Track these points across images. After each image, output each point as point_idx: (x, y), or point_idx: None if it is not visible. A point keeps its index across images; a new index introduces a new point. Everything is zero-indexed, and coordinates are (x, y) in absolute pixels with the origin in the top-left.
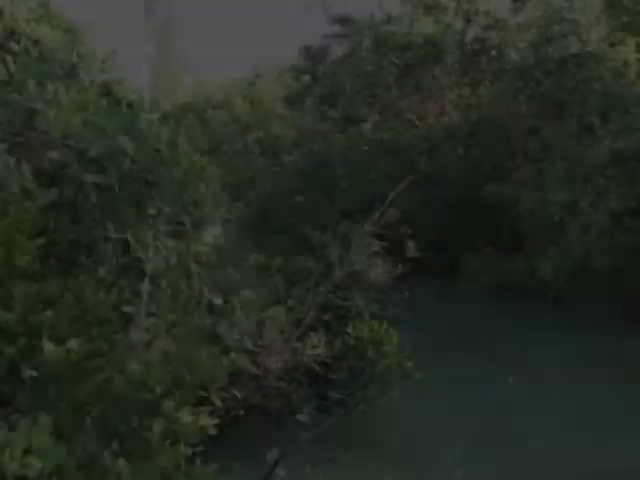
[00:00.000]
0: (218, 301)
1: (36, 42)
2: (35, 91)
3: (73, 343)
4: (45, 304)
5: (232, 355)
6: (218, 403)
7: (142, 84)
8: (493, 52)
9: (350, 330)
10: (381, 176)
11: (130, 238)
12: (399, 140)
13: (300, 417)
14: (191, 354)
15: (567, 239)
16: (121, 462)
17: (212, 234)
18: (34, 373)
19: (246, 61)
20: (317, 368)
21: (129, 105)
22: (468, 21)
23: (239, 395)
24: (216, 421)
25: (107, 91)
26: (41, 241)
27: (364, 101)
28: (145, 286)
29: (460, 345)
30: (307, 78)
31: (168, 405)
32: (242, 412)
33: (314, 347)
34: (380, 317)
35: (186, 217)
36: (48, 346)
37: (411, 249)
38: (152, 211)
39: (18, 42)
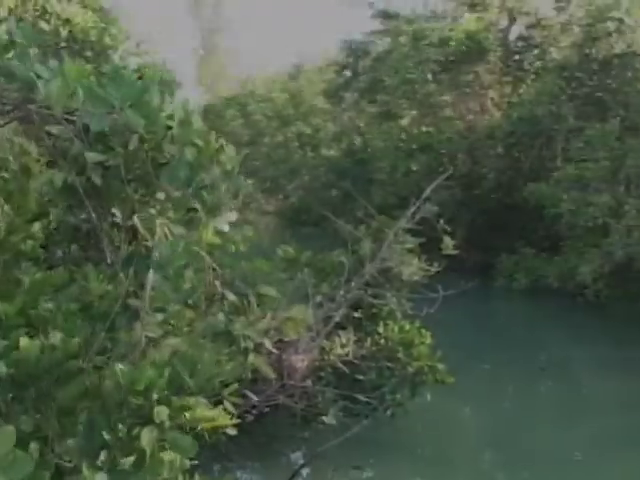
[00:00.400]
0: (231, 297)
1: (66, 21)
2: (37, 60)
3: (56, 338)
4: (51, 295)
5: (250, 356)
6: (230, 409)
7: (189, 77)
8: (536, 51)
9: (381, 329)
10: (419, 172)
11: (138, 224)
12: (438, 136)
13: (326, 419)
14: (195, 355)
15: (609, 242)
16: (99, 477)
17: (226, 222)
18: (10, 370)
19: (289, 56)
20: (345, 368)
21: (139, 77)
22: (513, 19)
23: (261, 393)
24: (235, 421)
25: (140, 74)
26: (42, 224)
27: (403, 96)
28: (150, 278)
29: (496, 346)
30: (347, 73)
31: (161, 412)
32: (266, 410)
33: (342, 346)
34: (413, 317)
35: (198, 203)
36: (24, 341)
37: (448, 246)
38: (160, 196)
39: (48, 22)
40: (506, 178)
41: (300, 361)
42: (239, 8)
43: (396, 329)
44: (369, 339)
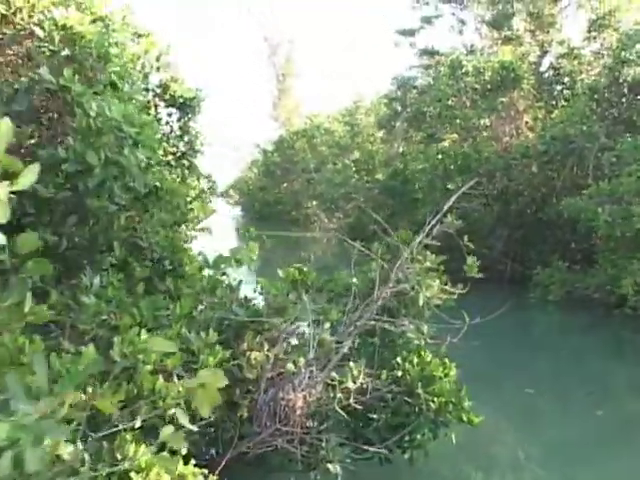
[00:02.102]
0: None
1: (63, 27)
2: None
3: None
4: None
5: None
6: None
7: (265, 116)
8: (566, 79)
9: (397, 361)
10: (457, 190)
11: None
12: (475, 157)
13: (331, 467)
14: None
15: None
16: None
17: None
18: None
19: (349, 93)
20: (356, 406)
21: None
22: (544, 52)
23: (256, 436)
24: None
25: (164, 89)
26: None
27: (443, 122)
28: None
29: (534, 360)
30: (397, 105)
31: None
32: (260, 453)
33: (352, 380)
34: (435, 345)
35: None
36: None
37: (472, 267)
38: None
39: (43, 28)
40: (540, 194)
41: (301, 399)
42: (307, 55)
43: (415, 360)
44: (384, 372)
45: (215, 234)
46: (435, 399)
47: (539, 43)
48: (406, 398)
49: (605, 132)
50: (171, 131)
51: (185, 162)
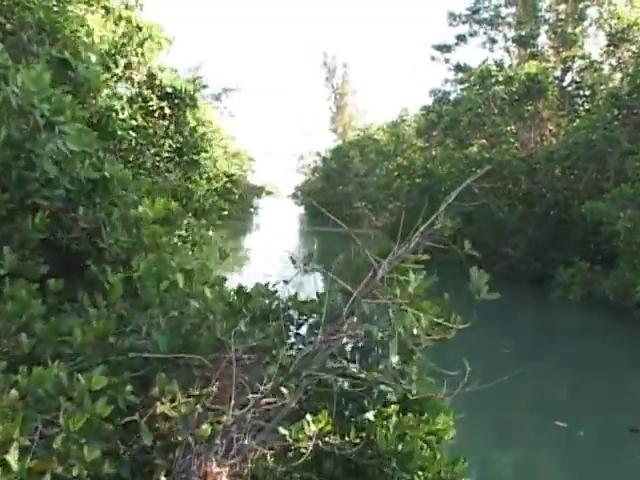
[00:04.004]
0: None
1: None
2: None
3: None
4: None
5: None
6: None
7: (326, 129)
8: (588, 92)
9: (367, 418)
10: (482, 193)
11: None
12: (500, 160)
13: None
14: None
15: None
16: None
17: None
18: None
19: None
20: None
21: None
22: (567, 68)
23: None
24: None
25: (151, 79)
26: None
27: (473, 129)
28: None
29: (557, 371)
30: (433, 115)
31: None
32: None
33: (308, 437)
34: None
35: None
36: None
37: (480, 284)
38: None
39: None
40: (563, 197)
41: (225, 472)
42: (361, 74)
43: (392, 421)
44: (352, 430)
45: (281, 229)
46: (416, 477)
47: (562, 59)
48: (380, 468)
49: (627, 137)
50: (169, 125)
51: (186, 159)
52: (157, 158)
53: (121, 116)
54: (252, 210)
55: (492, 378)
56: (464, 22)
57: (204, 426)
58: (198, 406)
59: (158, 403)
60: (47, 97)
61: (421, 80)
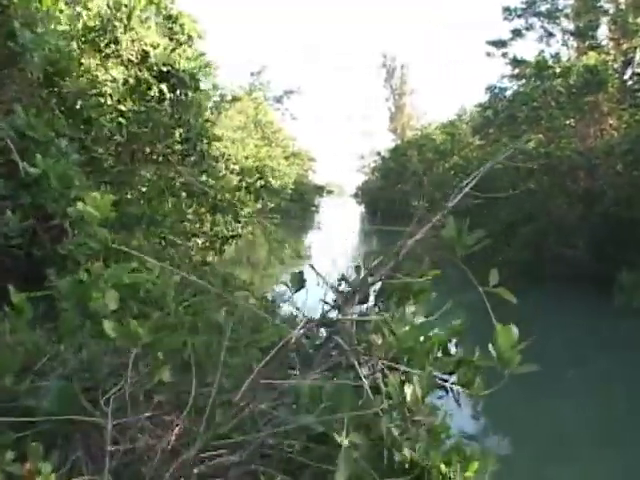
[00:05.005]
0: None
1: None
2: None
3: None
4: None
5: None
6: None
7: (385, 128)
8: None
9: None
10: (540, 190)
11: None
12: (559, 156)
13: None
14: None
15: None
16: None
17: None
18: None
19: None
20: None
21: None
22: (629, 60)
23: None
24: None
25: (143, 55)
26: None
27: (530, 123)
28: None
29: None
30: (489, 112)
31: None
32: None
33: None
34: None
35: None
36: None
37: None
38: None
39: None
40: (625, 194)
41: None
42: (418, 75)
43: None
44: None
45: (342, 228)
46: None
47: (623, 51)
48: None
49: None
50: (173, 114)
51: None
52: (169, 150)
53: (108, 101)
54: (313, 209)
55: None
56: (519, 16)
57: None
58: None
59: None
60: None
61: (479, 78)
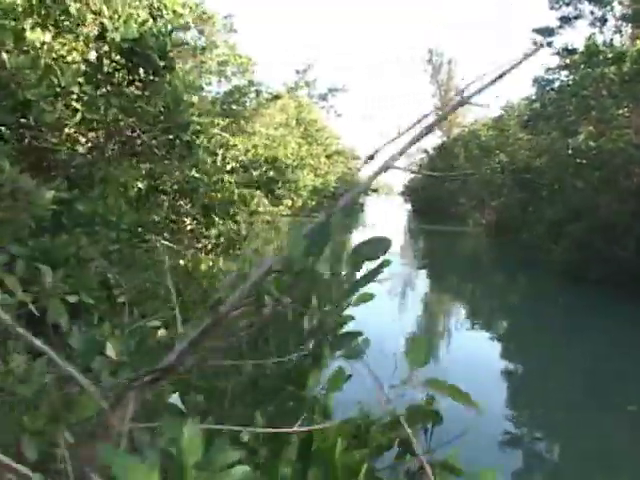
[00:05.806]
0: None
1: None
2: None
3: None
4: None
5: None
6: None
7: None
8: None
9: None
10: (588, 186)
11: None
12: (610, 149)
13: None
14: None
15: None
16: None
17: None
18: None
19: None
20: None
21: None
22: None
23: None
24: None
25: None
26: None
27: (580, 114)
28: None
29: None
30: (537, 105)
31: None
32: None
33: None
34: None
35: None
36: None
37: None
38: None
39: None
40: None
41: None
42: (463, 72)
43: None
44: None
45: (388, 227)
46: None
47: None
48: None
49: None
50: (147, 96)
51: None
52: (154, 142)
53: (62, 83)
54: (357, 207)
55: None
56: (567, 4)
57: None
58: None
59: None
60: None
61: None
